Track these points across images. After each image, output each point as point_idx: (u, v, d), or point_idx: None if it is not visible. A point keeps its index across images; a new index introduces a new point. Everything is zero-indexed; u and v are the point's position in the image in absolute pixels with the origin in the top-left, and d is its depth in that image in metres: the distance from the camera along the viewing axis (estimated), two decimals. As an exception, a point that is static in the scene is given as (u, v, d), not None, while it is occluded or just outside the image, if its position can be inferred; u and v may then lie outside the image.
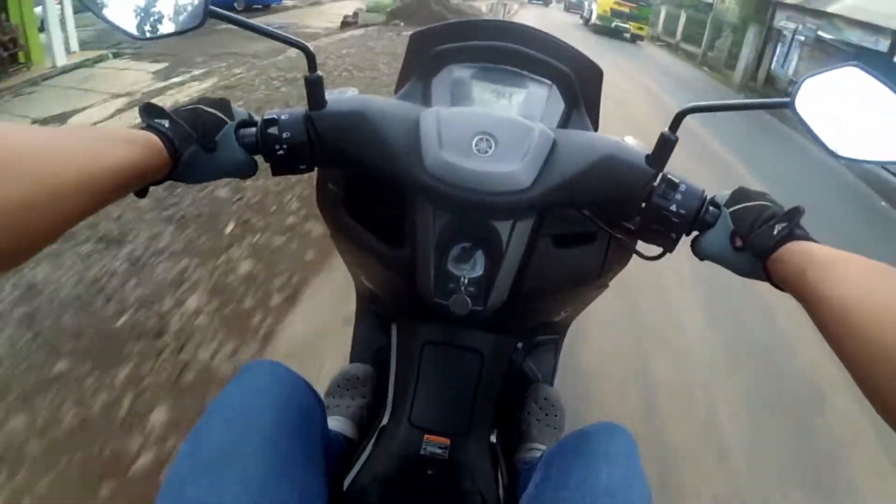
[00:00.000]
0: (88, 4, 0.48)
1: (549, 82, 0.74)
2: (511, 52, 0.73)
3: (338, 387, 0.91)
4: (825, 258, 0.44)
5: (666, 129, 0.54)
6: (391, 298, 0.78)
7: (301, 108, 0.56)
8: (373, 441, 0.68)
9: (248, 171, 0.56)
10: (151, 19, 0.49)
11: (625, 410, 1.66)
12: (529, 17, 15.21)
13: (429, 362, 0.66)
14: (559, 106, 0.73)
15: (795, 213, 0.49)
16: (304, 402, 0.59)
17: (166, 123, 0.48)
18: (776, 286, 0.49)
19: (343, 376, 0.92)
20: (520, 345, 0.76)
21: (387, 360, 0.75)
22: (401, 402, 0.66)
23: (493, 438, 0.70)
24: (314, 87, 0.55)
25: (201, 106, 0.53)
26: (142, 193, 0.49)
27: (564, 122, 0.72)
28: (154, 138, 0.47)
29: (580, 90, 0.74)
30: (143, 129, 0.48)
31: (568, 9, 24.62)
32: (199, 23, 0.48)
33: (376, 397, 0.86)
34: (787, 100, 0.51)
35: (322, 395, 0.89)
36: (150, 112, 0.49)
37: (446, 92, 0.72)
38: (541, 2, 29.11)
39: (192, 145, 0.50)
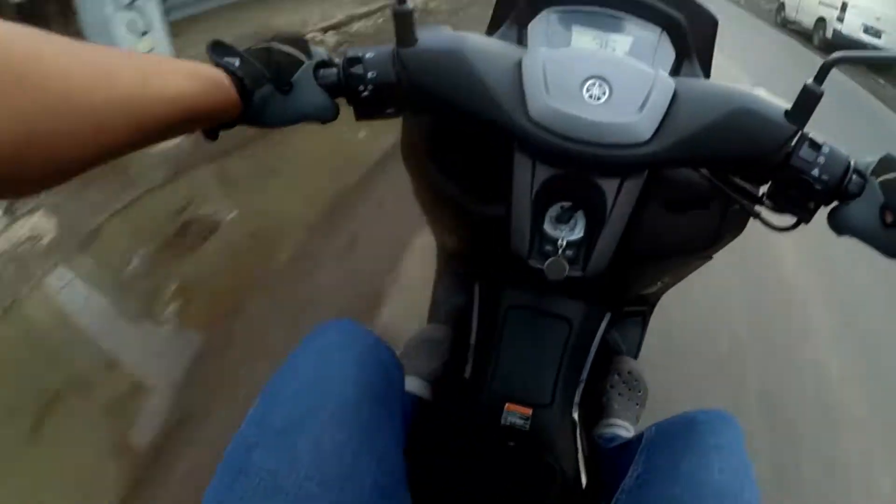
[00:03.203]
0: None
1: (659, 28, 0.66)
2: None
3: (413, 347, 0.88)
4: None
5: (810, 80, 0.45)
6: (477, 258, 0.73)
7: (388, 45, 0.50)
8: (450, 406, 0.65)
9: (329, 114, 0.50)
10: None
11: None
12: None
13: (513, 328, 0.62)
14: (669, 55, 0.66)
15: None
16: (382, 363, 0.55)
17: (236, 62, 0.43)
18: None
19: (420, 337, 0.89)
20: (608, 314, 0.69)
21: (467, 322, 0.71)
22: (482, 367, 0.63)
23: (575, 412, 0.66)
24: (404, 22, 0.48)
25: (275, 44, 0.47)
26: (212, 136, 0.44)
27: (674, 74, 0.65)
28: (222, 75, 0.41)
29: (691, 39, 0.66)
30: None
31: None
32: None
33: (454, 359, 0.82)
34: None
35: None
36: (218, 50, 0.43)
37: (543, 38, 0.65)
38: None
39: (266, 86, 0.45)
